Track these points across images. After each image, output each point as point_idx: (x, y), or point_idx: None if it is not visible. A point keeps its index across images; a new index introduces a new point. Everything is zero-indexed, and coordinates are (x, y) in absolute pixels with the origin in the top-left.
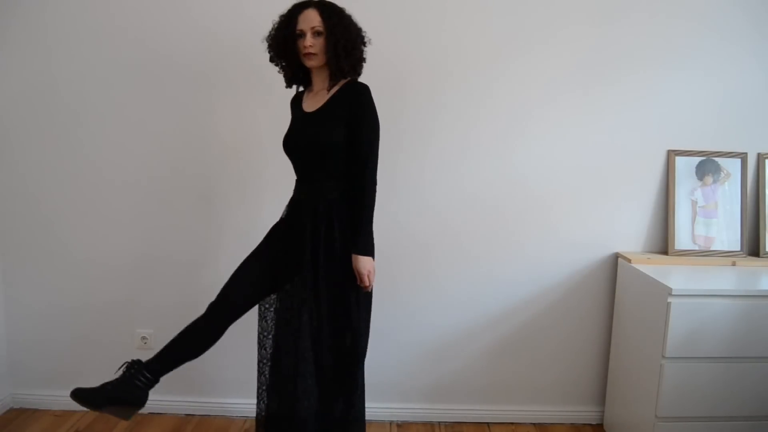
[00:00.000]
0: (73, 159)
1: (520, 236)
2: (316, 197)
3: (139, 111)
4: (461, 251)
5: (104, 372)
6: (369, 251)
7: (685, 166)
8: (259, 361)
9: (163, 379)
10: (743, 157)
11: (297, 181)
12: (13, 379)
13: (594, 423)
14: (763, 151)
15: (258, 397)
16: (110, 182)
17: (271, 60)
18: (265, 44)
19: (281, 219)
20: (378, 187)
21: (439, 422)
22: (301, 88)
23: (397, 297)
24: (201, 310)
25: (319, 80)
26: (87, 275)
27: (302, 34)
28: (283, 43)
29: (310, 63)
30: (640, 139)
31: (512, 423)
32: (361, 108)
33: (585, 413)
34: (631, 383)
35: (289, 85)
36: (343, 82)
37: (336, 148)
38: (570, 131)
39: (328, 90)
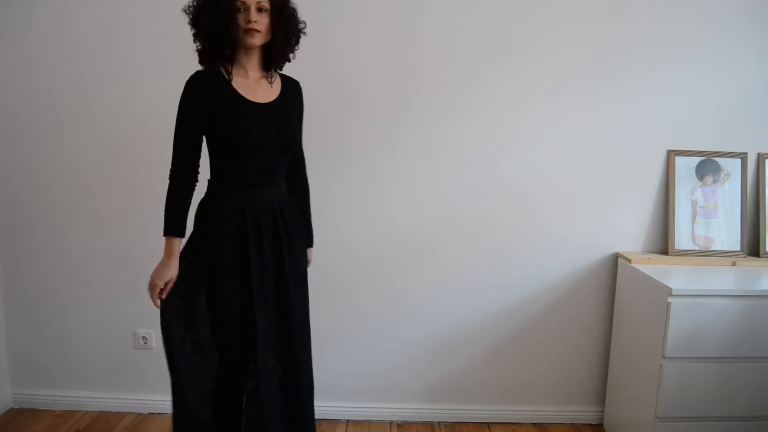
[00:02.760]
0: (73, 159)
1: (520, 236)
2: (274, 200)
3: (139, 111)
4: (460, 251)
5: (104, 372)
6: None
7: (685, 166)
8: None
9: (162, 378)
10: (743, 157)
11: (239, 186)
12: (13, 379)
13: (594, 423)
14: (763, 151)
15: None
16: (111, 182)
17: (197, 35)
18: (187, 15)
19: (223, 257)
20: (379, 188)
21: (439, 422)
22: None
23: (397, 297)
24: None
25: (250, 65)
26: (87, 275)
27: (243, 8)
28: (223, 16)
29: (252, 41)
30: (640, 139)
31: (512, 423)
32: (303, 106)
33: (585, 413)
34: (631, 383)
35: (214, 62)
36: (276, 74)
37: (297, 145)
38: (570, 131)
39: (269, 80)
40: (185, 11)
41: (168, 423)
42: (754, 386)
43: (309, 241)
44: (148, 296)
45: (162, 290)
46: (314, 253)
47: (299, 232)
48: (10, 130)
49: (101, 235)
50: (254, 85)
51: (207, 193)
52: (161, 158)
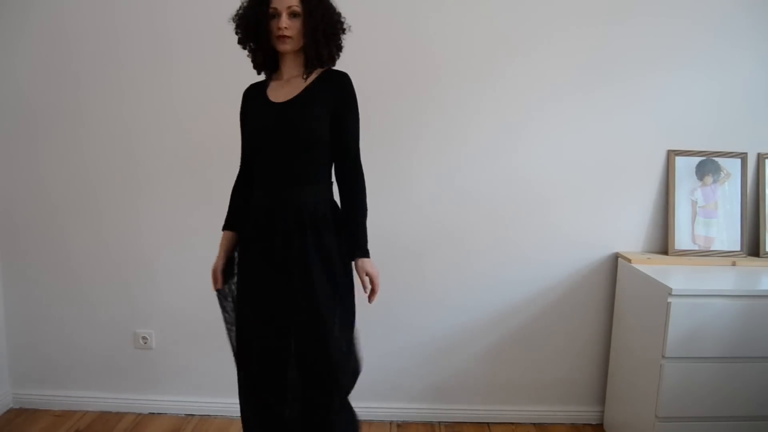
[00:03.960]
0: (73, 159)
1: (520, 236)
2: (298, 202)
3: (138, 111)
4: (461, 251)
5: (104, 372)
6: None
7: (685, 166)
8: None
9: (162, 378)
10: (743, 157)
11: (263, 187)
12: (13, 379)
13: (594, 423)
14: (763, 151)
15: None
16: (110, 182)
17: (240, 42)
18: (233, 25)
19: (245, 259)
20: (380, 188)
21: (439, 422)
22: (262, 76)
23: (397, 297)
24: (201, 310)
25: (291, 67)
26: (87, 275)
27: (276, 14)
28: (254, 24)
29: (284, 47)
30: (640, 139)
31: (512, 423)
32: (348, 99)
33: (585, 413)
34: (631, 383)
35: (259, 70)
36: (320, 70)
37: (319, 142)
38: (570, 131)
39: (304, 78)
40: (232, 20)
41: (167, 423)
42: (754, 386)
43: (350, 254)
44: (148, 296)
45: (216, 280)
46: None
47: (333, 241)
48: (10, 130)
49: (101, 236)
50: (285, 86)
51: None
52: (161, 158)
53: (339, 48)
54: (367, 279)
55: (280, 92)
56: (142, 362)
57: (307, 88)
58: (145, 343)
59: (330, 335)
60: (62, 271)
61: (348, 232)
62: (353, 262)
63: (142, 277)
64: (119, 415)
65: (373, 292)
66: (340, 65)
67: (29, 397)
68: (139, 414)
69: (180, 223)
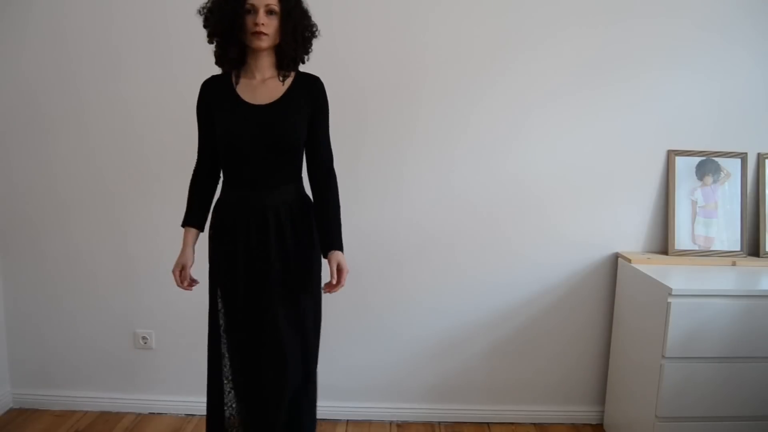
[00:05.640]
0: (73, 159)
1: (520, 236)
2: (273, 201)
3: (138, 110)
4: (461, 252)
5: (104, 372)
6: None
7: (685, 166)
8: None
9: (162, 378)
10: (743, 157)
11: (239, 187)
12: (13, 379)
13: (594, 423)
14: (763, 151)
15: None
16: (110, 182)
17: (209, 36)
18: (201, 17)
19: (214, 257)
20: (379, 189)
21: (439, 422)
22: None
23: (397, 298)
24: (201, 310)
25: (265, 67)
26: (87, 275)
27: (253, 10)
28: (230, 18)
29: (259, 44)
30: (640, 139)
31: (512, 423)
32: (325, 105)
33: (585, 413)
34: (631, 383)
35: (227, 67)
36: (293, 73)
37: (299, 146)
38: (570, 132)
39: (281, 80)
40: (199, 12)
41: (167, 423)
42: (754, 386)
43: (325, 247)
44: (148, 296)
45: (181, 277)
46: None
47: (309, 238)
48: (10, 130)
49: (101, 235)
50: (259, 86)
51: (221, 193)
52: (161, 158)
53: (308, 51)
54: (335, 271)
55: (256, 93)
56: (142, 362)
57: (287, 93)
58: (145, 343)
59: (304, 322)
60: (62, 271)
61: (324, 227)
62: (326, 255)
63: (142, 277)
64: (119, 415)
65: (336, 285)
66: (335, 64)
67: (29, 397)
68: (139, 414)
69: (180, 223)
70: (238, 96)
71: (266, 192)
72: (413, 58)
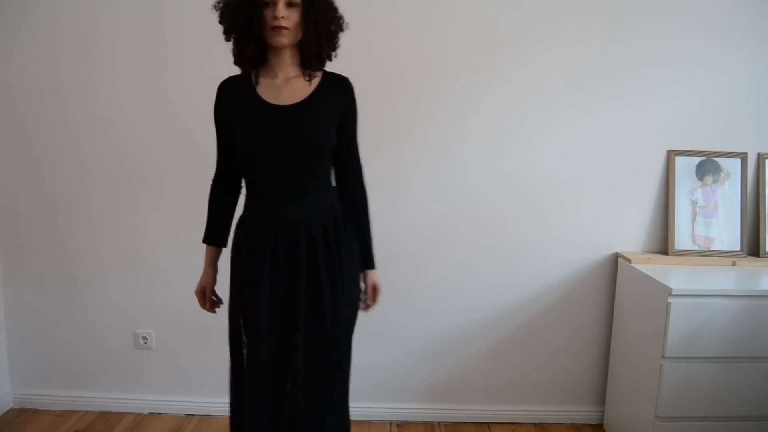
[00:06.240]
0: (74, 159)
1: (520, 237)
2: (303, 213)
3: (138, 110)
4: (461, 252)
5: (104, 372)
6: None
7: (685, 166)
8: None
9: (162, 378)
10: (743, 157)
11: (260, 197)
12: (13, 379)
13: (594, 423)
14: (763, 151)
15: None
16: (110, 181)
17: (225, 33)
18: (216, 13)
19: (239, 275)
20: (378, 188)
21: (439, 422)
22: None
23: (397, 297)
24: (201, 310)
25: (287, 65)
26: (87, 275)
27: (271, 3)
28: (247, 12)
29: (279, 40)
30: (640, 139)
31: (512, 423)
32: (354, 107)
33: (585, 413)
34: (631, 383)
35: (246, 66)
36: (320, 72)
37: (329, 151)
38: (570, 132)
39: (308, 79)
40: (215, 7)
41: (167, 423)
42: (754, 386)
43: (366, 262)
44: (148, 296)
45: (204, 299)
46: None
47: (347, 251)
48: (10, 130)
49: (102, 236)
50: (282, 87)
51: (244, 207)
52: (161, 158)
53: (335, 47)
54: (371, 291)
55: (280, 94)
56: (142, 362)
57: (314, 93)
58: (145, 343)
59: (339, 339)
60: (62, 272)
61: (361, 241)
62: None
63: (142, 277)
64: (119, 415)
65: (371, 304)
66: (335, 64)
67: (29, 397)
68: (139, 414)
69: (180, 223)
70: (259, 97)
71: (294, 203)
72: (413, 58)
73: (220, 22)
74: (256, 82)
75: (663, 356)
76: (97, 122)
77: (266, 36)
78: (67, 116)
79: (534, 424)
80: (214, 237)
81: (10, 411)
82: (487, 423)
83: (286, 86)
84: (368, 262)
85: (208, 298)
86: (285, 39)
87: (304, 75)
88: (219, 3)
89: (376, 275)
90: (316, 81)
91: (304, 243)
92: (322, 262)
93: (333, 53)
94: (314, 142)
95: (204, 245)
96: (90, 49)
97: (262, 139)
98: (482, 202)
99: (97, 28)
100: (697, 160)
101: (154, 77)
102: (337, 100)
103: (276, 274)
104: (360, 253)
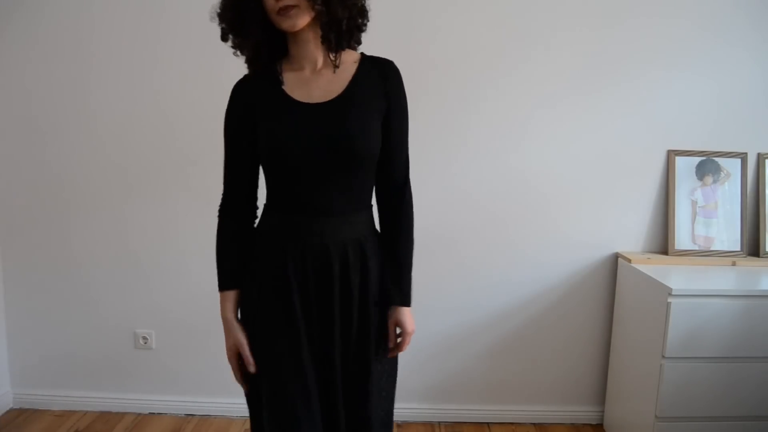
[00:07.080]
0: (74, 159)
1: (520, 236)
2: (339, 236)
3: (138, 110)
4: (461, 252)
5: (104, 372)
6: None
7: (685, 166)
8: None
9: (162, 378)
10: (743, 157)
11: (293, 213)
12: (13, 379)
13: (594, 423)
14: (763, 151)
15: None
16: (110, 182)
17: (223, 35)
18: (215, 15)
19: (255, 304)
20: None
21: (439, 422)
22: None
23: None
24: (201, 310)
25: (309, 53)
26: (87, 275)
27: None
28: (245, 4)
29: (290, 23)
30: (640, 139)
31: (512, 423)
32: (403, 97)
33: (585, 413)
34: (631, 383)
35: (254, 62)
36: (357, 56)
37: (373, 157)
38: (570, 132)
39: (336, 65)
40: (213, 14)
41: (167, 423)
42: (754, 386)
43: (394, 299)
44: (148, 296)
45: (237, 364)
46: None
47: (379, 284)
48: (10, 130)
49: (102, 235)
50: (312, 80)
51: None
52: (161, 158)
53: (359, 25)
54: (393, 332)
55: (311, 89)
56: (142, 362)
57: (351, 84)
58: (145, 343)
59: (376, 387)
60: (62, 271)
61: (392, 271)
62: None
63: (142, 277)
64: (119, 415)
65: (398, 348)
66: None
67: (29, 397)
68: (139, 414)
69: (181, 223)
70: (286, 95)
71: (329, 222)
72: (419, 57)
73: (220, 23)
74: (281, 78)
75: (663, 356)
76: (98, 122)
77: (276, 23)
78: (68, 117)
79: (534, 424)
80: (231, 279)
81: (10, 411)
82: (487, 423)
83: (316, 79)
84: (402, 298)
85: (247, 360)
86: (298, 20)
87: (329, 58)
88: (217, 5)
89: (407, 313)
90: (352, 68)
91: (338, 275)
92: (335, 288)
93: (361, 21)
94: (355, 145)
95: (219, 293)
96: (92, 50)
97: (293, 146)
98: (482, 203)
99: (92, 28)
100: (697, 160)
101: (157, 78)
102: (379, 88)
103: (307, 310)
104: (394, 286)
